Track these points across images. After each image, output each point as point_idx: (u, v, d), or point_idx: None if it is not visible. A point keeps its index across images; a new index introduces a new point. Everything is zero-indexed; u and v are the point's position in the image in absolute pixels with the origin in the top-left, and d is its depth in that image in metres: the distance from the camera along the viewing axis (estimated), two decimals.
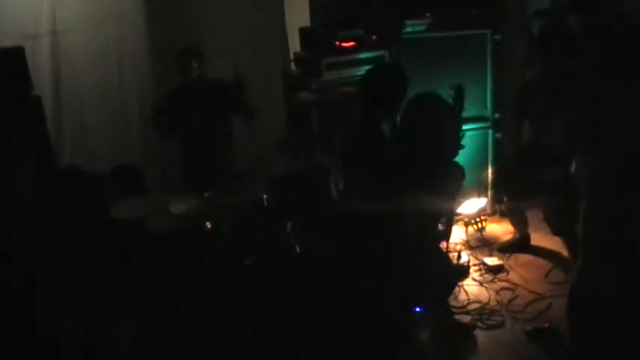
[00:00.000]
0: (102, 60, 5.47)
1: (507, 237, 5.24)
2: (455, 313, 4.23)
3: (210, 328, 3.71)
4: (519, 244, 5.09)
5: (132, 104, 5.63)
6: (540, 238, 5.09)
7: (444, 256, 4.13)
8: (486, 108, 5.44)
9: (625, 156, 2.98)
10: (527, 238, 5.12)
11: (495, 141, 5.50)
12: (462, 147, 3.90)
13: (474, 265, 4.88)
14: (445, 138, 3.74)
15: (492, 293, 4.53)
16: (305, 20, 6.00)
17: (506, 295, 4.49)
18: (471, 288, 4.61)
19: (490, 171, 5.53)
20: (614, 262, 3.09)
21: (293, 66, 5.77)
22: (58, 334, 3.45)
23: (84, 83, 5.40)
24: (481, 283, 4.67)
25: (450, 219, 4.16)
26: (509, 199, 5.07)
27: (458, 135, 3.86)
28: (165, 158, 5.33)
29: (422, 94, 3.85)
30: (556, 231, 4.82)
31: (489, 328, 4.16)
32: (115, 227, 4.10)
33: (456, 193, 3.91)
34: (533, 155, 4.71)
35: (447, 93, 4.15)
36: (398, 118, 4.39)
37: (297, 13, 6.04)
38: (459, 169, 3.88)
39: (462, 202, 5.38)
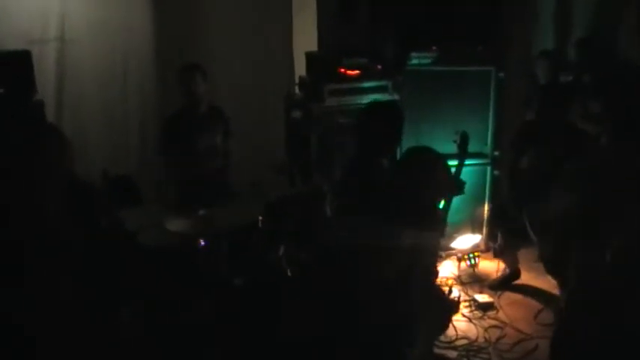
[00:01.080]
0: (107, 70, 5.50)
1: (498, 274, 5.22)
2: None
3: (195, 346, 3.68)
4: (509, 279, 5.07)
5: (134, 115, 5.65)
6: (532, 278, 5.08)
7: (439, 291, 4.12)
8: (486, 144, 5.45)
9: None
10: (518, 273, 5.10)
11: (493, 178, 5.51)
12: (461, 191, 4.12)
13: (465, 300, 4.85)
14: (437, 187, 3.76)
15: (481, 330, 4.51)
16: (312, 45, 6.03)
17: (495, 333, 4.46)
18: (460, 324, 4.57)
19: (486, 207, 5.53)
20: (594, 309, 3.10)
21: (297, 89, 5.79)
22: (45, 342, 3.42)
23: (87, 92, 5.42)
24: (470, 320, 4.65)
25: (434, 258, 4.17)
26: (503, 236, 5.07)
27: (451, 183, 3.92)
28: (162, 172, 5.33)
29: (416, 147, 3.96)
30: (549, 270, 4.81)
31: None
32: (107, 237, 4.08)
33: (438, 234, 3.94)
34: (530, 193, 4.72)
35: (451, 137, 4.22)
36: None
37: (305, 37, 6.08)
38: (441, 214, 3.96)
39: (455, 238, 5.39)
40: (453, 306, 4.51)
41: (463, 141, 4.23)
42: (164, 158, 4.98)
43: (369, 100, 5.16)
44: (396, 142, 3.98)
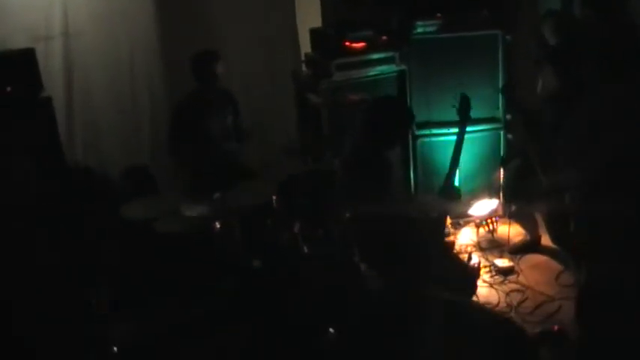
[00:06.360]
0: (114, 62, 5.48)
1: (518, 239, 5.20)
2: None
3: (215, 329, 3.72)
4: (530, 246, 5.06)
5: (143, 106, 5.63)
6: None
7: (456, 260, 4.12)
8: (498, 109, 5.40)
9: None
10: (538, 239, 5.07)
11: (507, 142, 5.46)
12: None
13: (485, 266, 4.84)
14: None
15: (502, 295, 4.51)
16: (316, 21, 6.00)
17: (516, 297, 4.46)
18: (481, 289, 4.57)
19: (502, 172, 5.49)
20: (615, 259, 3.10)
21: (304, 67, 5.77)
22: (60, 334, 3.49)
23: (96, 85, 5.41)
24: (491, 285, 4.65)
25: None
26: (513, 202, 5.04)
27: None
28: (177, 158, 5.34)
29: None
30: (554, 239, 4.75)
31: None
32: (125, 227, 4.13)
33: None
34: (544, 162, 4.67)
35: (452, 102, 4.15)
36: None
37: (309, 14, 6.04)
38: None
39: (472, 204, 5.36)
40: (475, 272, 4.51)
41: (463, 104, 4.13)
42: (176, 146, 4.97)
43: (375, 72, 5.19)
44: (399, 139, 4.01)
